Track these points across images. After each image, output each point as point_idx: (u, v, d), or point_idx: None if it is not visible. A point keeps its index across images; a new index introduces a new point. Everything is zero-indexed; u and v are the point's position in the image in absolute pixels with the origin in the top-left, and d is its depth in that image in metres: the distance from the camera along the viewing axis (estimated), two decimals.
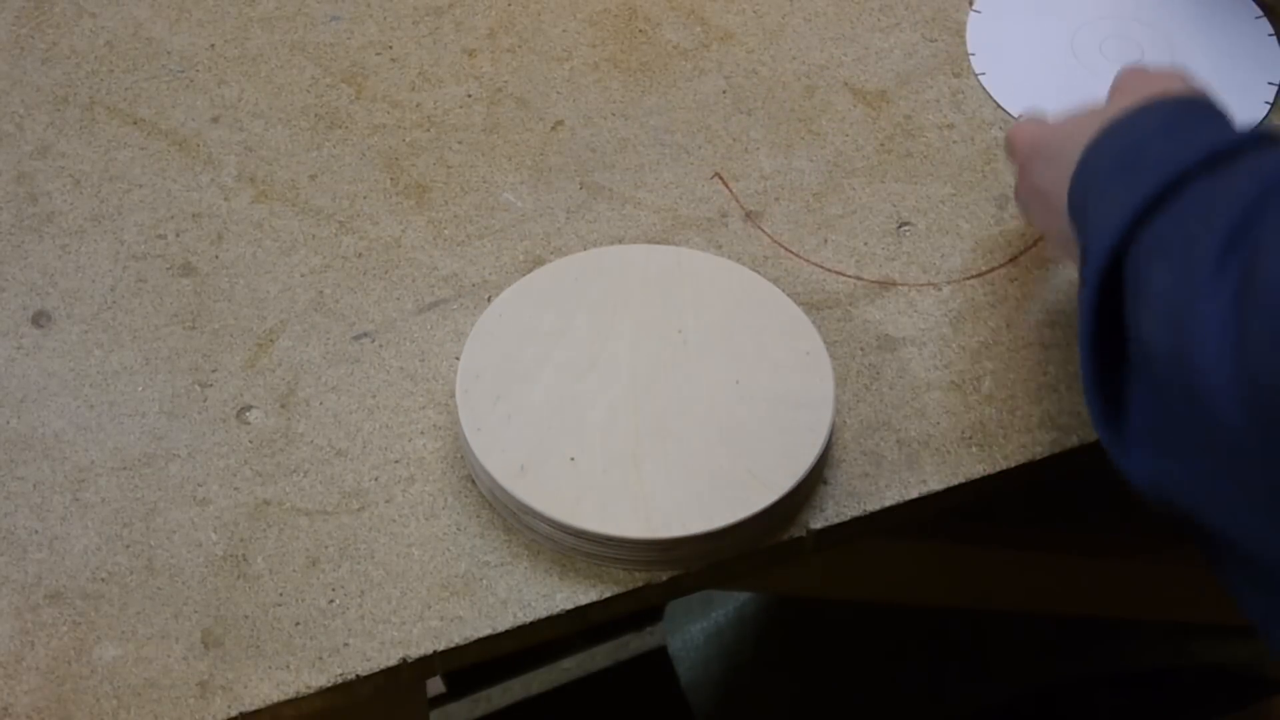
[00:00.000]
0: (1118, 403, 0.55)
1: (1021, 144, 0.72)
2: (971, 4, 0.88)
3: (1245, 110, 0.80)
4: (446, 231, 0.80)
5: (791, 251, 0.80)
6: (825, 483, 0.70)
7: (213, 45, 0.89)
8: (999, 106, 0.85)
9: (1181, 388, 0.49)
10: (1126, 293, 0.55)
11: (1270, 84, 0.80)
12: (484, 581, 0.67)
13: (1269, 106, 0.79)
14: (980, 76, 0.83)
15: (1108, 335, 0.56)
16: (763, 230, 0.80)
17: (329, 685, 0.63)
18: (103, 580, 0.66)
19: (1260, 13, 0.82)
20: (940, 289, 0.78)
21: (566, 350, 0.71)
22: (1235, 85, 0.80)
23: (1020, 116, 0.80)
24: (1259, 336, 0.46)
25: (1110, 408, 0.56)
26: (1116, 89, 0.69)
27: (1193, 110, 0.61)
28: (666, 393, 0.69)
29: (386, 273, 0.78)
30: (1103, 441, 0.56)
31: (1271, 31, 0.82)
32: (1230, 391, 0.46)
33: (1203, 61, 0.82)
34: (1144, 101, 0.62)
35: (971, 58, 0.85)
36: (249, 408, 0.72)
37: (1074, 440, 0.73)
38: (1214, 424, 0.47)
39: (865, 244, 0.80)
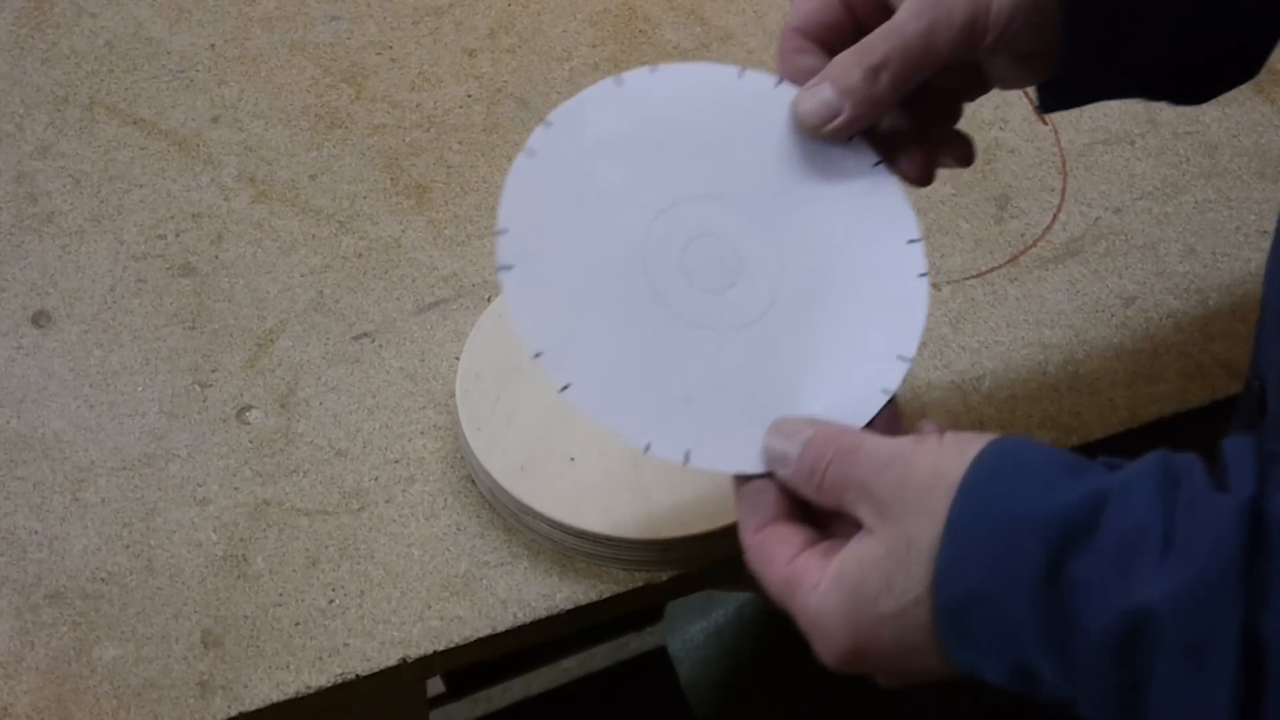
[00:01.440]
0: None
1: (833, 649, 0.52)
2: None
3: (899, 284, 0.59)
4: (446, 231, 0.80)
5: None
6: None
7: (213, 45, 0.89)
8: (997, 107, 0.85)
9: None
10: None
11: (910, 241, 0.59)
12: (484, 581, 0.67)
13: (924, 278, 0.59)
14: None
15: None
16: None
17: (329, 685, 0.63)
18: (103, 580, 0.66)
19: (878, 158, 0.59)
20: (940, 289, 0.78)
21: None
22: (876, 254, 0.58)
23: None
24: None
25: None
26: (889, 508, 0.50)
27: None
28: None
29: (386, 273, 0.78)
30: None
31: (878, 159, 0.59)
32: None
33: (824, 235, 0.58)
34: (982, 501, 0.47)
35: (504, 273, 0.55)
36: (249, 408, 0.72)
37: (1074, 440, 0.73)
38: None
39: None
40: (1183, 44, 0.58)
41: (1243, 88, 0.89)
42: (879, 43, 0.55)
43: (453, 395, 0.70)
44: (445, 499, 0.69)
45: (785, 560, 0.52)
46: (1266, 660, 0.41)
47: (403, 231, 0.80)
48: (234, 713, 0.62)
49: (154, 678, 0.63)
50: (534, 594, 0.66)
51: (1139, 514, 0.45)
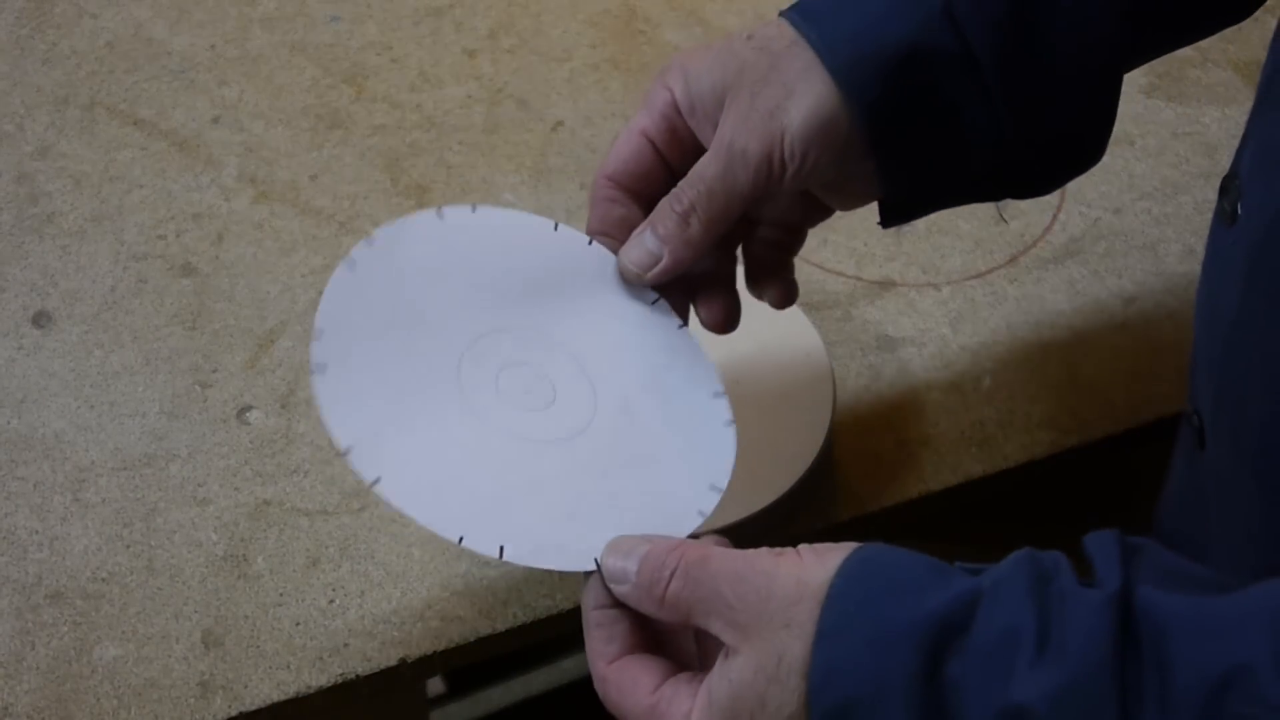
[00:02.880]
0: None
1: None
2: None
3: (708, 431, 0.60)
4: None
5: None
6: (825, 482, 0.70)
7: (213, 46, 0.89)
8: None
9: None
10: None
11: (715, 395, 0.61)
12: (484, 581, 0.67)
13: (731, 425, 0.60)
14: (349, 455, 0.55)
15: None
16: None
17: (329, 685, 0.63)
18: (103, 580, 0.66)
19: (680, 321, 0.62)
20: (940, 289, 0.78)
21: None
22: (684, 403, 0.60)
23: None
24: None
25: None
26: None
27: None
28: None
29: None
30: None
31: (681, 324, 0.62)
32: None
33: (635, 381, 0.60)
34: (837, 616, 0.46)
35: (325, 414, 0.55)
36: (249, 408, 0.72)
37: (1074, 440, 0.73)
38: None
39: (865, 244, 0.80)
40: (998, 149, 0.58)
41: (1240, 87, 0.89)
42: (686, 189, 0.58)
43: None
44: None
45: (649, 690, 0.51)
46: None
47: None
48: (234, 713, 0.62)
49: (154, 678, 0.63)
50: (534, 594, 0.66)
51: (1012, 612, 0.44)
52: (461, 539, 0.54)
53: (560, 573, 0.59)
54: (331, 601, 0.66)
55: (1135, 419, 0.73)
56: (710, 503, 0.58)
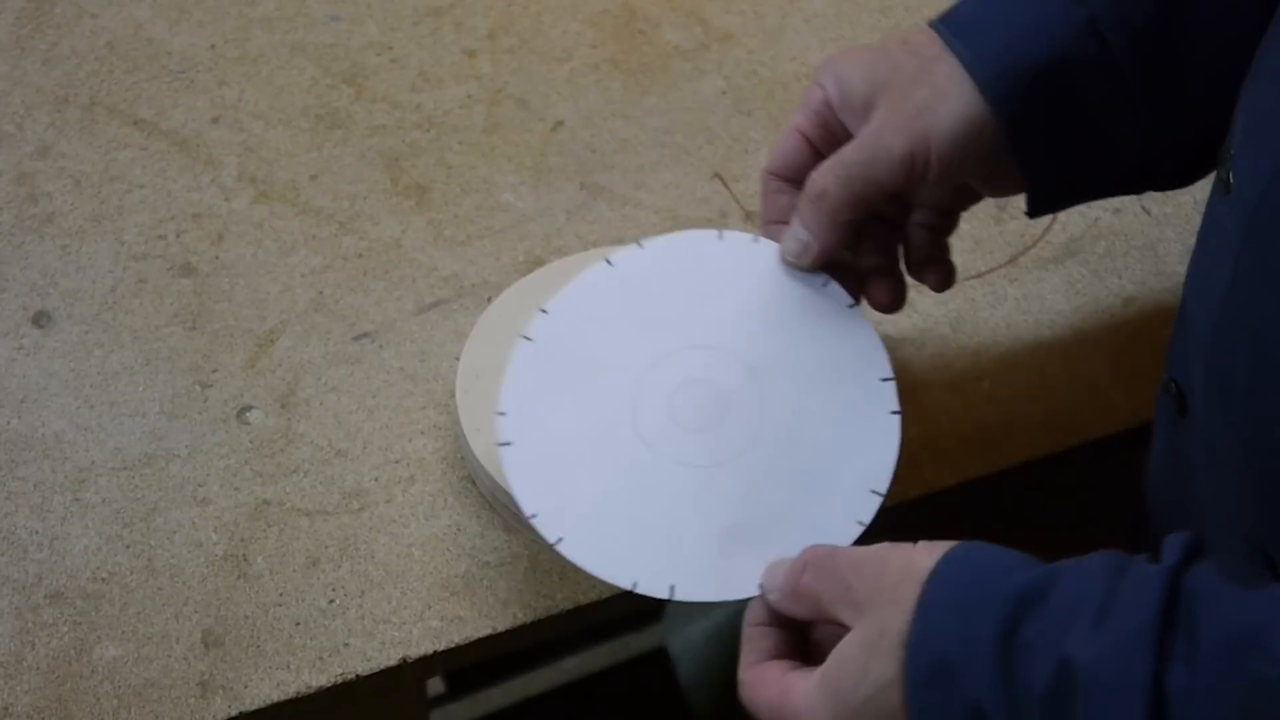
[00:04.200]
0: None
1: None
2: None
3: (873, 421, 0.63)
4: (446, 232, 0.80)
5: None
6: None
7: (213, 46, 0.89)
8: None
9: None
10: None
11: (884, 380, 0.64)
12: (484, 581, 0.67)
13: (897, 414, 0.63)
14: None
15: None
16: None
17: (329, 685, 0.63)
18: (103, 580, 0.66)
19: (851, 300, 0.65)
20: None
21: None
22: (851, 392, 0.63)
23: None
24: None
25: None
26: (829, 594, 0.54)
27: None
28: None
29: (386, 273, 0.78)
30: None
31: (852, 301, 0.65)
32: None
33: (804, 374, 0.64)
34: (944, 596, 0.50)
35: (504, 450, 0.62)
36: (249, 408, 0.72)
37: (1074, 440, 0.73)
38: None
39: None
40: (1141, 147, 0.62)
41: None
42: (823, 171, 0.62)
43: (453, 395, 0.70)
44: (445, 499, 0.69)
45: (776, 679, 0.55)
46: (1169, 712, 0.44)
47: (403, 232, 0.80)
48: (234, 713, 0.62)
49: (154, 678, 0.63)
50: (534, 594, 0.66)
51: (1085, 582, 0.48)
52: (635, 585, 0.59)
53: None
54: (331, 601, 0.66)
55: (1135, 419, 0.73)
56: (870, 510, 0.61)
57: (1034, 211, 0.65)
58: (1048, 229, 0.81)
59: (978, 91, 0.59)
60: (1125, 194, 0.66)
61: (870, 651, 0.51)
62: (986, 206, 0.82)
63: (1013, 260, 0.80)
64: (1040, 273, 0.79)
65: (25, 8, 0.91)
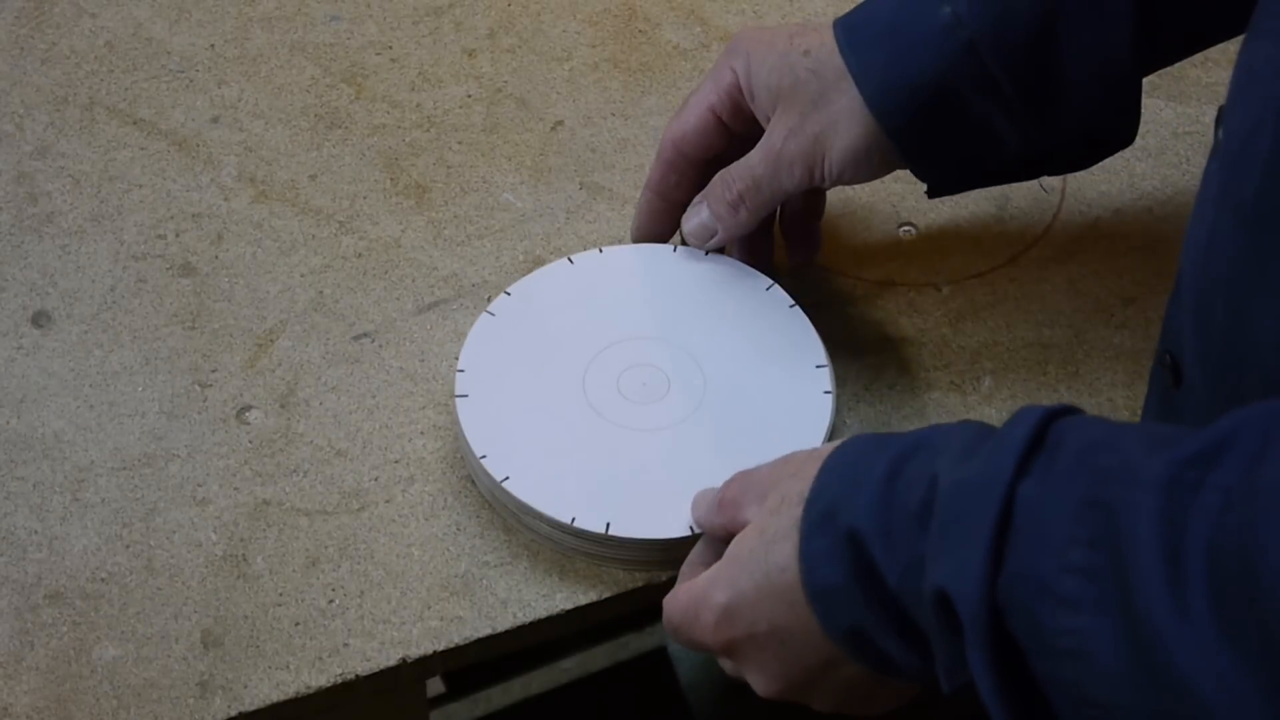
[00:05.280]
0: None
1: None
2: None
3: (808, 400, 0.69)
4: (446, 231, 0.80)
5: None
6: None
7: (213, 45, 0.89)
8: None
9: None
10: (1027, 653, 0.47)
11: (818, 366, 0.70)
12: (484, 581, 0.67)
13: (829, 394, 0.69)
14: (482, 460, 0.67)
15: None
16: None
17: (329, 685, 0.63)
18: (103, 580, 0.66)
19: (792, 301, 0.73)
20: (940, 289, 0.78)
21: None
22: (787, 374, 0.70)
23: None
24: None
25: None
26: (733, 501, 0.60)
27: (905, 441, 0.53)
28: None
29: (386, 273, 0.78)
30: None
31: (793, 303, 0.73)
32: None
33: (743, 359, 0.71)
34: (844, 458, 0.54)
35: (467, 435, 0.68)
36: (249, 408, 0.72)
37: None
38: None
39: (865, 244, 0.80)
40: (1025, 146, 0.68)
41: None
42: (736, 179, 0.70)
43: (452, 395, 0.70)
44: (445, 499, 0.69)
45: (689, 587, 0.59)
46: (1016, 519, 0.47)
47: (403, 231, 0.80)
48: (234, 713, 0.62)
49: (154, 678, 0.63)
50: (534, 594, 0.66)
51: (970, 427, 0.52)
52: (573, 519, 0.65)
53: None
54: (331, 601, 0.66)
55: (1135, 419, 0.73)
56: None
57: (932, 195, 0.71)
58: (1048, 229, 0.81)
59: (869, 113, 0.66)
60: (1017, 180, 0.73)
61: (769, 516, 0.56)
62: (986, 206, 0.82)
63: (1013, 260, 0.80)
64: (1040, 273, 0.79)
65: (25, 7, 0.91)
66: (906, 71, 0.65)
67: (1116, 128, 0.69)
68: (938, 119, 0.66)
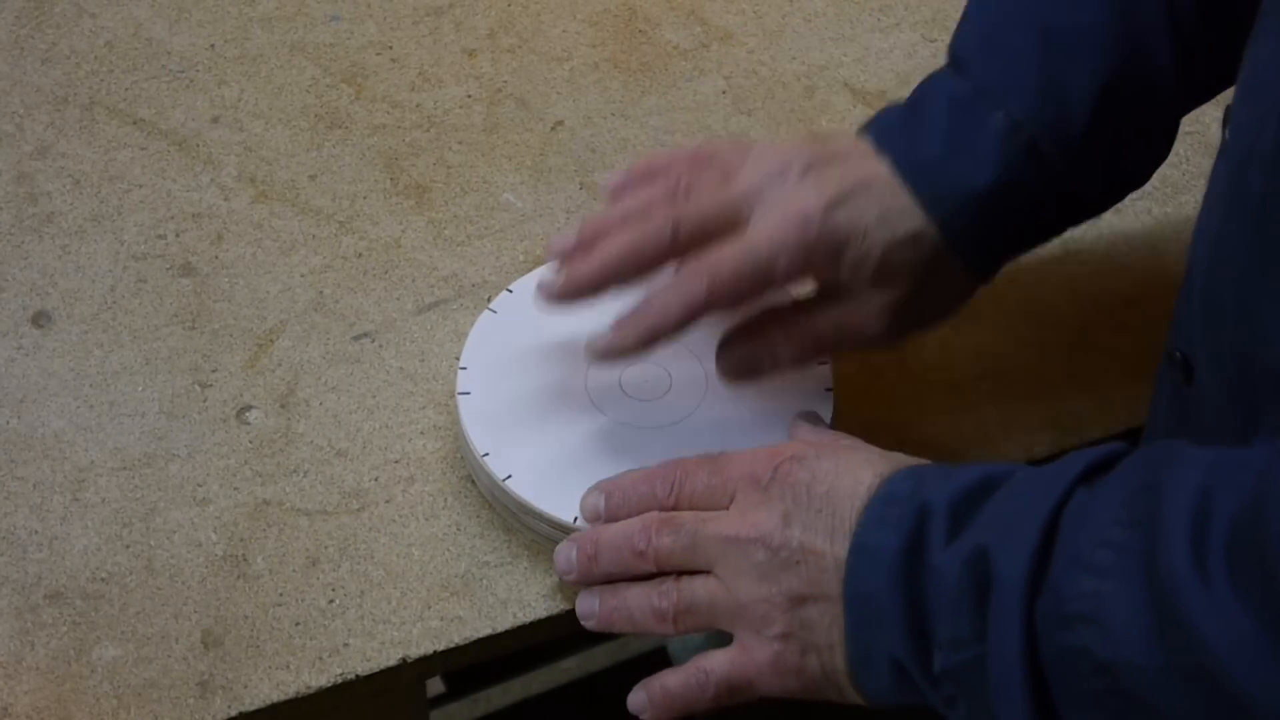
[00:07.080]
0: None
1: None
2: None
3: (809, 397, 0.70)
4: (446, 231, 0.80)
5: None
6: None
7: (213, 45, 0.89)
8: None
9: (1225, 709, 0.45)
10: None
11: (820, 362, 0.70)
12: (484, 581, 0.67)
13: (830, 392, 0.69)
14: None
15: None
16: None
17: (329, 685, 0.63)
18: (103, 580, 0.66)
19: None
20: None
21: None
22: (790, 375, 0.69)
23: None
24: None
25: None
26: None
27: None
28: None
29: (386, 273, 0.78)
30: None
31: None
32: None
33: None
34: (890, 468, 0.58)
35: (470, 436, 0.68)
36: (249, 408, 0.72)
37: (1074, 440, 0.73)
38: None
39: None
40: (1075, 216, 0.68)
41: None
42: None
43: (453, 395, 0.70)
44: (445, 499, 0.69)
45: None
46: (1072, 499, 0.51)
47: (403, 231, 0.80)
48: (234, 713, 0.62)
49: (154, 678, 0.63)
50: (534, 594, 0.66)
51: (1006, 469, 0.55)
52: (575, 519, 0.65)
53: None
54: (331, 601, 0.66)
55: (1135, 419, 0.73)
56: None
57: (984, 280, 0.68)
58: None
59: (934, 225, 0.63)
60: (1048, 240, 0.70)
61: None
62: None
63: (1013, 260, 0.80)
64: (1040, 272, 0.79)
65: (25, 7, 0.91)
66: (971, 184, 0.63)
67: (1150, 172, 0.69)
68: (995, 217, 0.64)
